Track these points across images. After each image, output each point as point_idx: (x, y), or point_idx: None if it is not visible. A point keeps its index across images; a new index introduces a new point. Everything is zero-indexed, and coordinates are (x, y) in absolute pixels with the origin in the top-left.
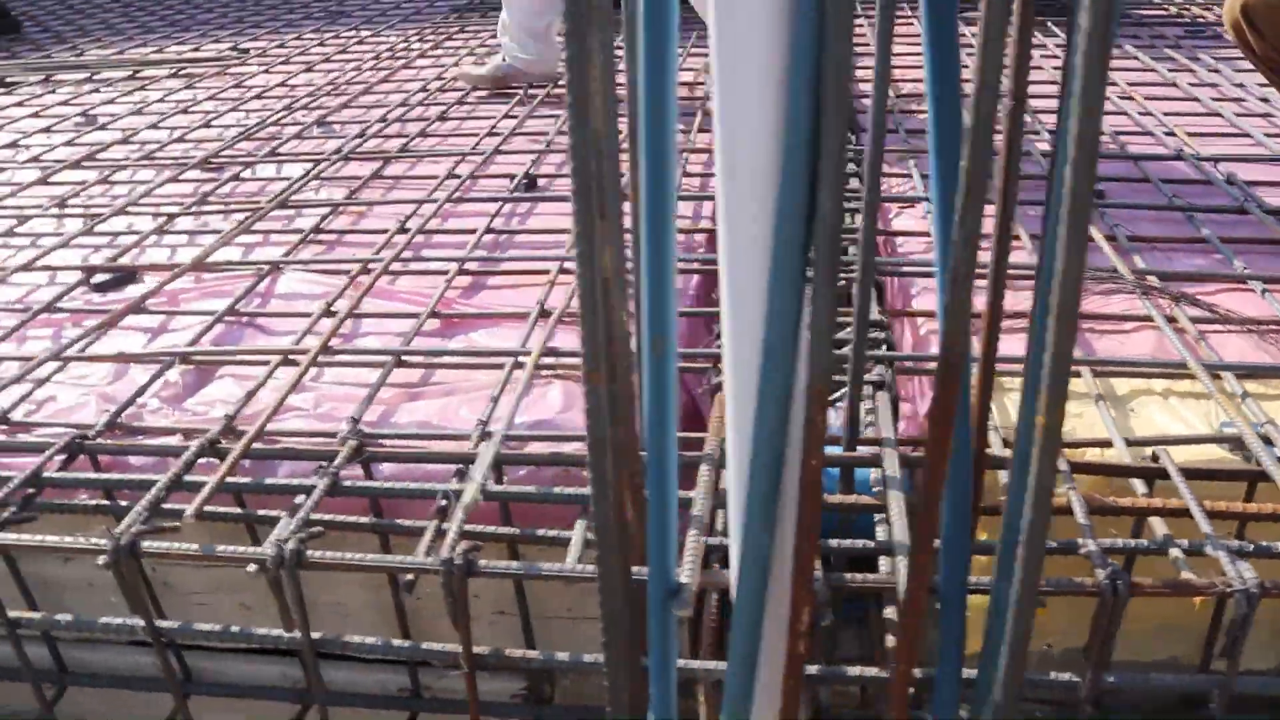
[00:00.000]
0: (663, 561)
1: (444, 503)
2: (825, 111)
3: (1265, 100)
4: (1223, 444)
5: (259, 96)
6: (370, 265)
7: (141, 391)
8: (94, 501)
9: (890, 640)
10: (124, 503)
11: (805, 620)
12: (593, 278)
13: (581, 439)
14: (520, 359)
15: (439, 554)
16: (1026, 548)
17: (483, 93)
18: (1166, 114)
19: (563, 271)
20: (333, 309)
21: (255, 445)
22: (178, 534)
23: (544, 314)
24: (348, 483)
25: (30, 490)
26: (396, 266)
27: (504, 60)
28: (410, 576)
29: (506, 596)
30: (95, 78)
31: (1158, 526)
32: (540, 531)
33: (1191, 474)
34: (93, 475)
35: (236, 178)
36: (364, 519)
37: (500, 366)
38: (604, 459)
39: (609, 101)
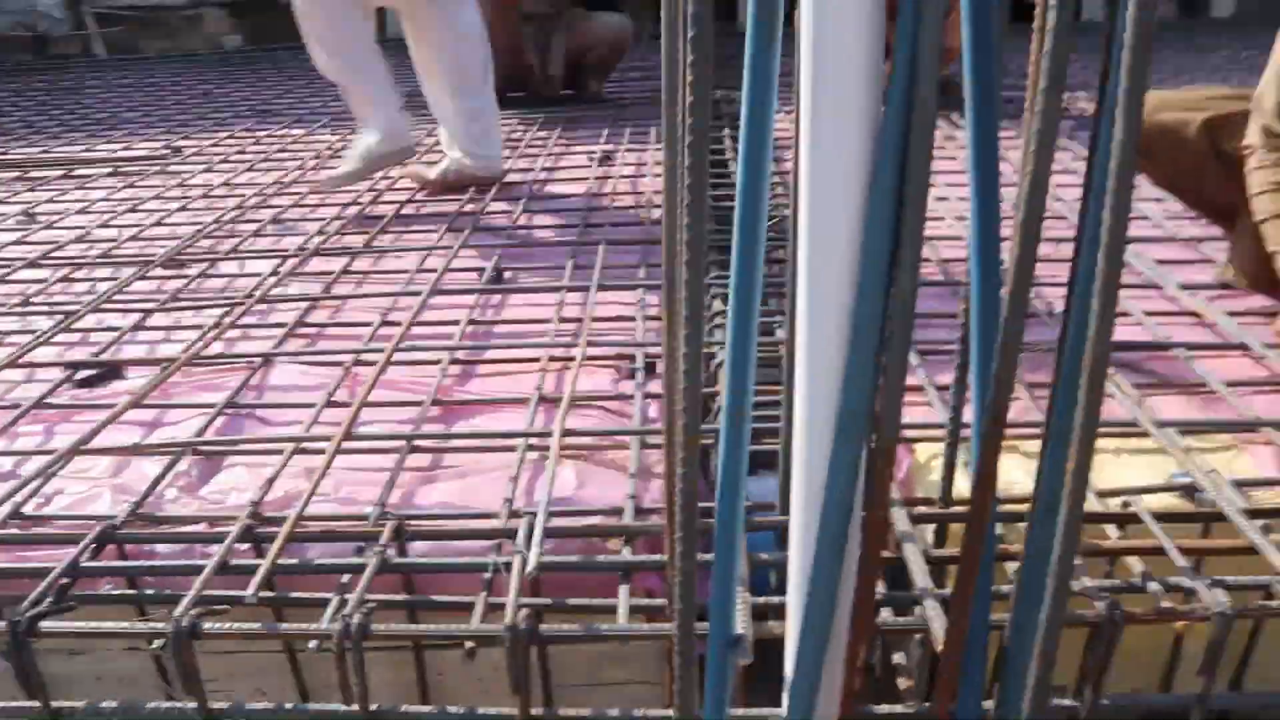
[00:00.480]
0: (725, 614)
1: (488, 575)
2: (907, 212)
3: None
4: (1177, 491)
5: (206, 195)
6: (363, 356)
7: (158, 482)
8: (120, 591)
9: (902, 682)
10: (149, 590)
11: (862, 656)
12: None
13: (608, 512)
14: (531, 440)
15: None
16: (1055, 582)
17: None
18: (1074, 199)
19: (553, 359)
20: (334, 398)
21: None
22: (226, 616)
23: (544, 399)
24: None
25: (65, 581)
26: (378, 356)
27: (452, 165)
28: (471, 644)
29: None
30: (28, 176)
31: (1134, 565)
32: (578, 601)
33: (1160, 518)
34: (131, 563)
35: (204, 275)
36: (399, 596)
37: (513, 449)
38: (692, 521)
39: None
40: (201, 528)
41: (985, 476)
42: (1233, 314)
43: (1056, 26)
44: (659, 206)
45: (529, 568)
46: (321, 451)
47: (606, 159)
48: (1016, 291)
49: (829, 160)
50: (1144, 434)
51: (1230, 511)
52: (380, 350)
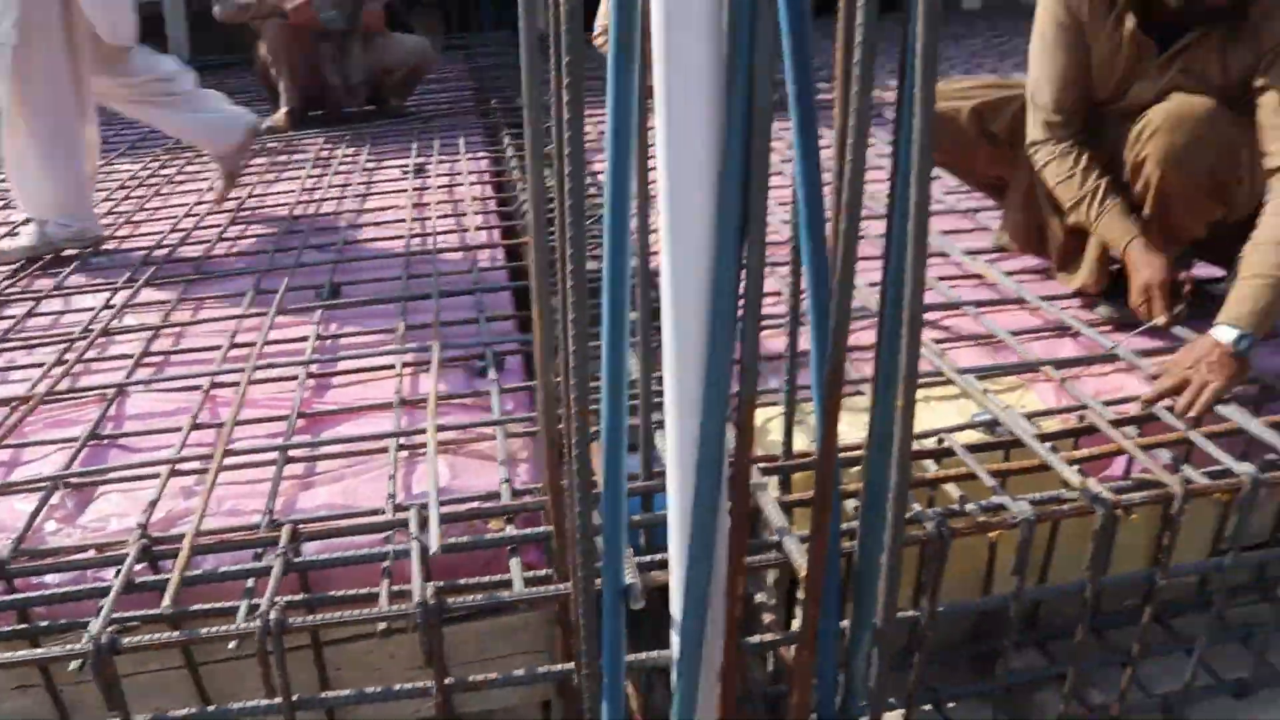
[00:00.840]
0: (617, 568)
1: (388, 564)
2: (752, 185)
3: None
4: (980, 427)
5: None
6: (219, 378)
7: (34, 517)
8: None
9: (766, 617)
10: (43, 623)
11: (741, 588)
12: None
13: (485, 497)
14: (401, 440)
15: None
16: (894, 509)
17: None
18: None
19: (406, 365)
20: (198, 420)
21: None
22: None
23: (405, 402)
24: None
25: None
26: (237, 377)
27: (40, 235)
28: (383, 625)
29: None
30: None
31: (953, 492)
32: (472, 579)
33: (970, 449)
34: (27, 595)
35: (31, 314)
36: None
37: (384, 450)
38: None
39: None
40: (90, 555)
41: (830, 422)
42: (1010, 273)
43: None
44: (480, 213)
45: (433, 549)
46: (198, 472)
47: (420, 171)
48: (845, 265)
49: (684, 163)
50: (947, 382)
51: (1025, 438)
52: (238, 370)
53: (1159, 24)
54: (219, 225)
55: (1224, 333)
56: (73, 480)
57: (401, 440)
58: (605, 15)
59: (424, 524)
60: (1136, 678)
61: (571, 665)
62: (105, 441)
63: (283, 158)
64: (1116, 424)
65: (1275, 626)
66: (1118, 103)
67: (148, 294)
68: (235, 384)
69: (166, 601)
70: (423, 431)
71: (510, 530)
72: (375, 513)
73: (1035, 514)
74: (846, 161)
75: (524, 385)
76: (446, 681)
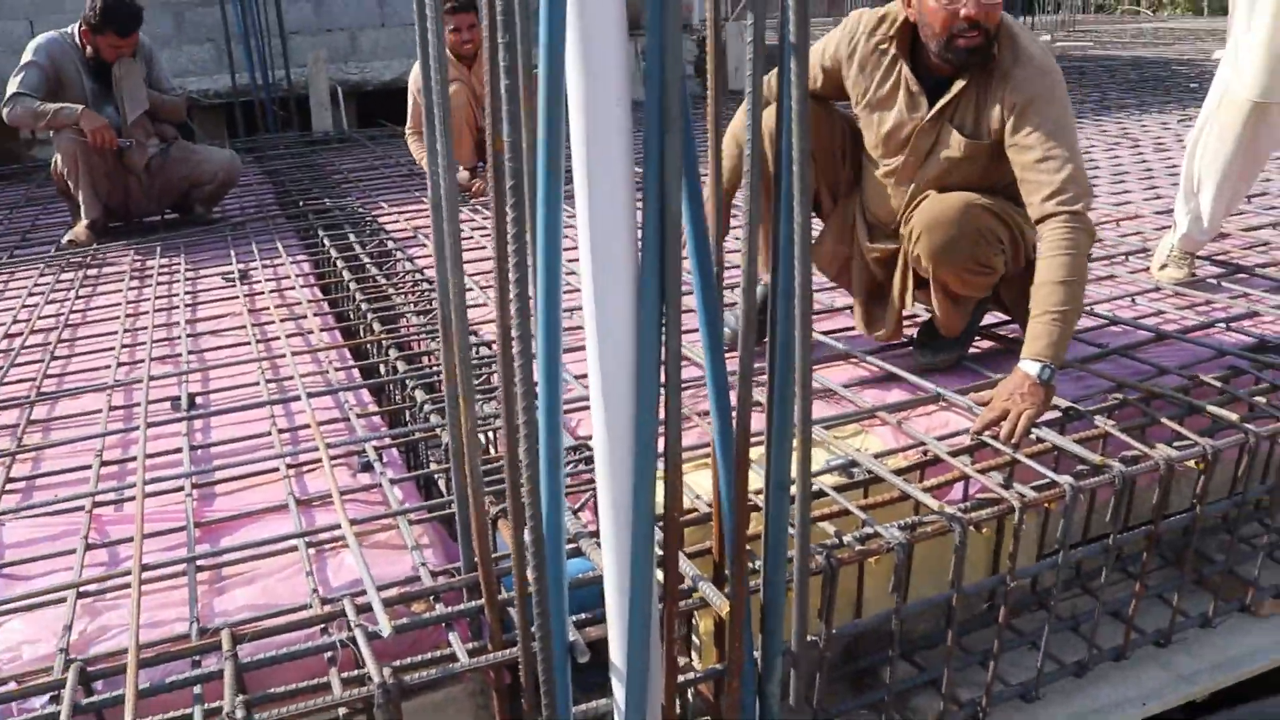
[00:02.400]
0: (561, 627)
1: (333, 655)
2: (667, 264)
3: None
4: (837, 471)
5: None
6: (98, 497)
7: None
8: None
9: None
10: None
11: (675, 635)
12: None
13: (405, 582)
14: (308, 539)
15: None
16: (800, 545)
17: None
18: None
19: (290, 467)
20: (90, 541)
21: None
22: None
23: (301, 503)
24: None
25: None
26: (125, 494)
27: None
28: (344, 711)
29: None
30: None
31: (828, 528)
32: (419, 657)
33: (838, 489)
34: None
35: None
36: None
37: (294, 549)
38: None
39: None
40: (10, 687)
41: (742, 478)
42: (828, 333)
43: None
44: (320, 315)
45: (386, 633)
46: (102, 592)
47: (245, 277)
48: (746, 340)
49: (606, 254)
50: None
51: (884, 474)
52: (125, 488)
53: (926, 76)
54: (45, 345)
55: (1030, 366)
56: None
57: (308, 539)
58: (413, 118)
59: (360, 611)
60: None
61: None
62: None
63: (93, 271)
64: (954, 454)
65: (1096, 613)
66: (897, 157)
67: None
68: (118, 502)
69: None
70: (329, 529)
71: (442, 609)
72: (302, 608)
73: (906, 538)
74: (744, 253)
75: (409, 476)
76: None
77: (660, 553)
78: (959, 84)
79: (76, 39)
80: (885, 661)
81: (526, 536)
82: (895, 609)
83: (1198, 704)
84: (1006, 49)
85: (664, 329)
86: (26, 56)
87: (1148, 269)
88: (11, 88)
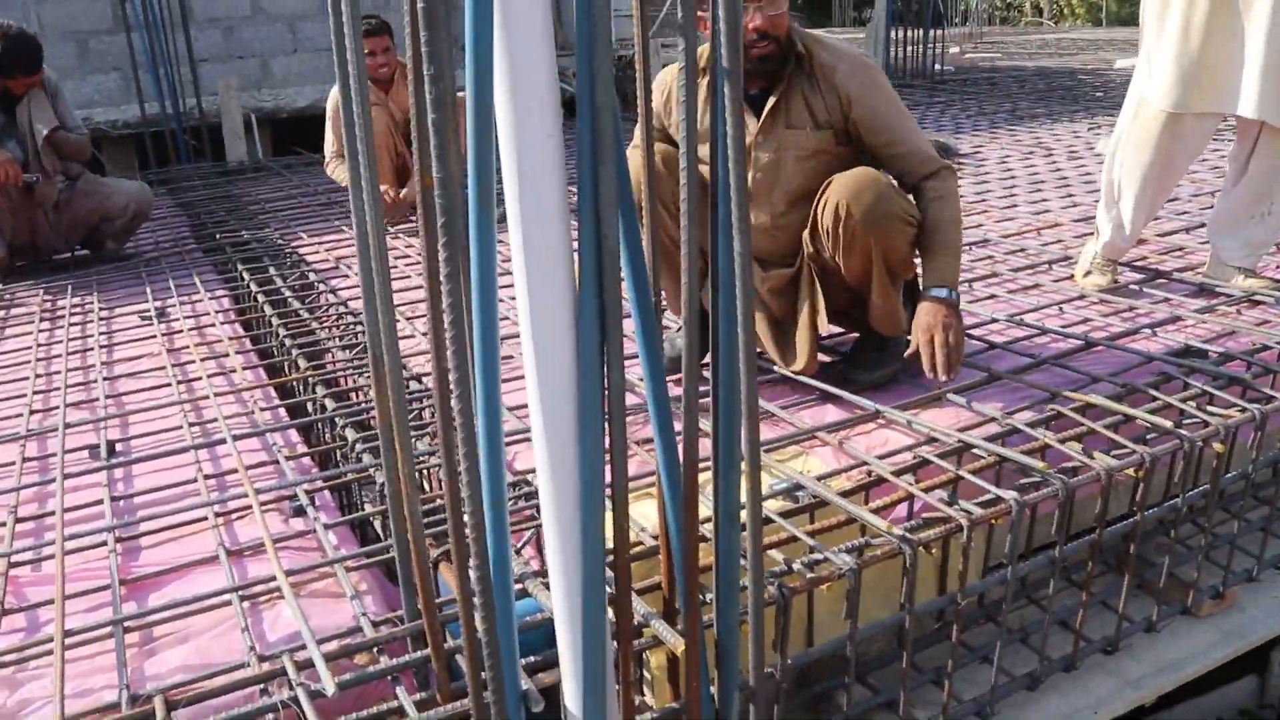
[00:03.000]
0: (514, 677)
1: (273, 717)
2: (606, 295)
3: None
4: (781, 495)
5: None
6: (14, 557)
7: None
8: None
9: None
10: None
11: (630, 676)
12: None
13: (348, 633)
14: (241, 592)
15: None
16: (754, 575)
17: None
18: None
19: (219, 515)
20: (7, 606)
21: None
22: None
23: (231, 553)
24: None
25: None
26: (45, 551)
27: None
28: None
29: None
30: None
31: (776, 555)
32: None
33: (784, 515)
34: None
35: None
36: None
37: (227, 604)
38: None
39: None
40: None
41: (691, 512)
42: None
43: None
44: (242, 352)
45: (330, 691)
46: (20, 661)
47: (162, 315)
48: (691, 368)
49: (543, 287)
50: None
51: (830, 497)
52: (34, 548)
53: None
54: None
55: (940, 292)
56: None
57: (241, 592)
58: (334, 141)
59: (300, 668)
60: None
61: None
62: None
63: (0, 313)
64: (898, 473)
65: (1046, 624)
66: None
67: None
68: (35, 561)
69: None
70: (263, 580)
71: (387, 660)
72: (239, 667)
73: (856, 563)
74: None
75: (343, 520)
76: None
77: (611, 591)
78: (778, 90)
79: None
80: (840, 686)
81: (473, 580)
82: (850, 634)
83: (1145, 707)
84: (818, 49)
85: (605, 360)
86: None
87: (1071, 277)
88: None
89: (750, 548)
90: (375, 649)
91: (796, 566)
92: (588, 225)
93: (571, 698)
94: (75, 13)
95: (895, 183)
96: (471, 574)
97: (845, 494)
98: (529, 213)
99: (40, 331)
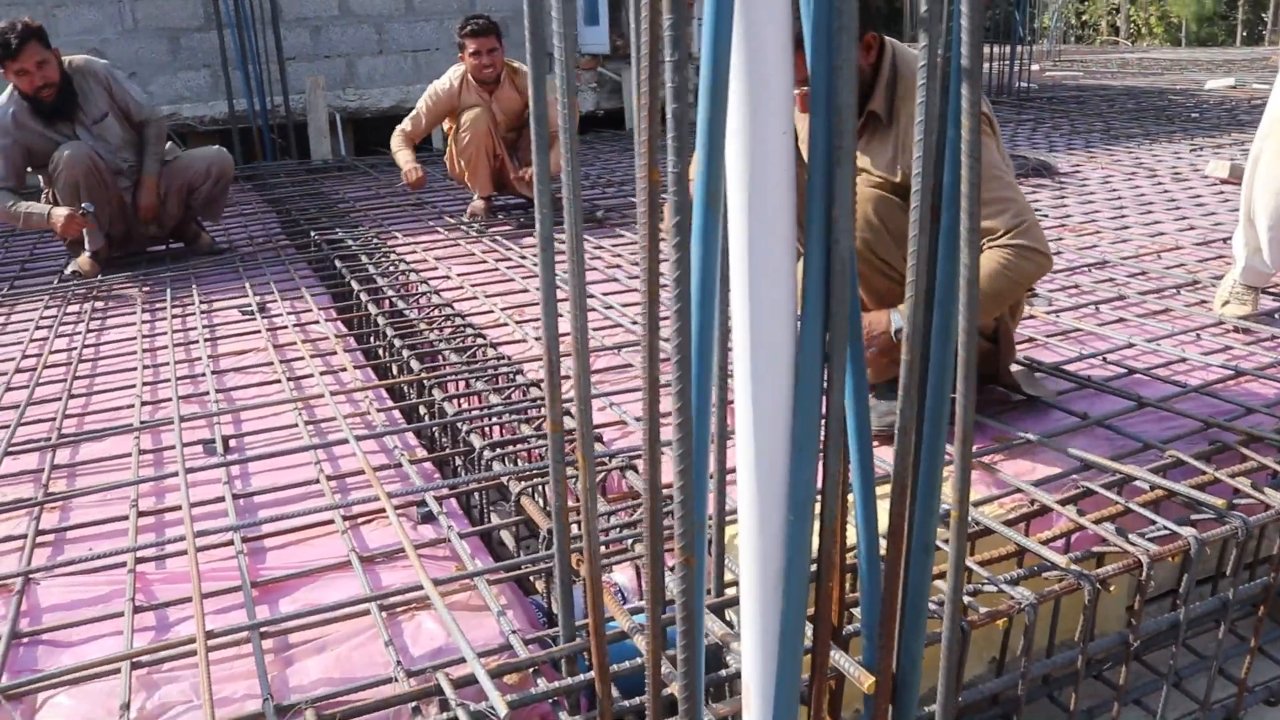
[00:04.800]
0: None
1: None
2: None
3: None
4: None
5: None
6: (140, 553)
7: None
8: None
9: None
10: None
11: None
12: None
13: (498, 650)
14: (380, 603)
15: None
16: (951, 605)
17: (103, 362)
18: None
19: (347, 519)
20: (138, 603)
21: None
22: None
23: (365, 560)
24: None
25: None
26: (153, 551)
27: None
28: None
29: None
30: None
31: (940, 585)
32: None
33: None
34: None
35: None
36: None
37: (366, 613)
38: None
39: None
40: None
41: (896, 542)
42: None
43: None
44: (349, 351)
45: (503, 713)
46: (159, 664)
47: (263, 310)
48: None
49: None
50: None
51: (995, 526)
52: (157, 544)
53: None
54: (62, 382)
55: (895, 316)
56: (14, 692)
57: (382, 603)
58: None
59: (456, 686)
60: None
61: None
62: (27, 640)
63: (100, 304)
64: (1063, 503)
65: (1213, 670)
66: None
67: (7, 465)
68: (160, 558)
69: None
70: (405, 590)
71: (544, 684)
72: (385, 682)
73: (1036, 598)
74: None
75: (475, 530)
76: None
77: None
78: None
79: (13, 93)
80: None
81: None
82: (1023, 672)
83: None
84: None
85: (825, 380)
86: None
87: (1202, 303)
88: None
89: (951, 579)
90: (532, 669)
91: (967, 600)
92: (817, 229)
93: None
94: (168, 10)
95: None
96: (678, 601)
97: (1012, 523)
98: (755, 211)
99: (143, 323)
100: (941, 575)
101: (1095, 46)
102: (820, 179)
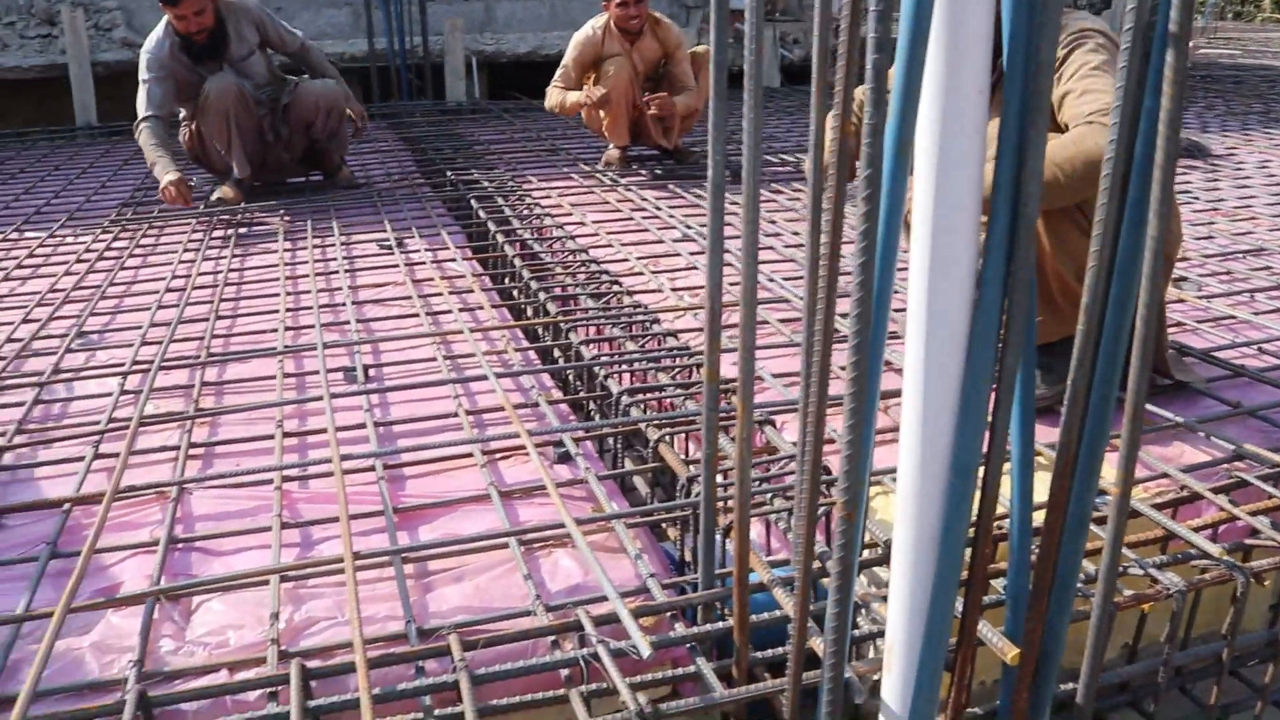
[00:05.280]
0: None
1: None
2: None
3: None
4: None
5: None
6: (286, 472)
7: (146, 633)
8: None
9: None
10: None
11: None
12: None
13: (634, 593)
14: (519, 537)
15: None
16: (1105, 581)
17: (245, 286)
18: None
19: (485, 453)
20: (286, 520)
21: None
22: None
23: (503, 494)
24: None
25: None
26: (295, 471)
27: None
28: None
29: None
30: None
31: (1087, 566)
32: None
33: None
34: None
35: (38, 401)
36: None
37: (503, 546)
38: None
39: None
40: (222, 676)
41: (1056, 514)
42: None
43: None
44: (485, 290)
45: (646, 654)
46: (304, 579)
47: (400, 245)
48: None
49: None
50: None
51: (1144, 509)
52: (301, 465)
53: None
54: (209, 303)
55: None
56: (178, 593)
57: (521, 537)
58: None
59: (596, 624)
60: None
61: None
62: (181, 546)
63: (244, 231)
64: (1216, 491)
65: None
66: None
67: (161, 378)
68: (303, 479)
69: None
70: (549, 527)
71: (680, 629)
72: (524, 614)
73: (1185, 585)
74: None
75: (613, 473)
76: None
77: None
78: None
79: (168, 26)
80: (1111, 709)
81: (836, 561)
82: (1165, 659)
83: None
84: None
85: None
86: (141, 70)
87: None
88: (140, 108)
89: (1106, 557)
90: (669, 614)
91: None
92: (1005, 190)
93: (894, 691)
94: None
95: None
96: (835, 555)
97: (1161, 507)
98: (944, 167)
99: (284, 250)
100: (1089, 553)
101: (1255, 24)
102: (1012, 138)
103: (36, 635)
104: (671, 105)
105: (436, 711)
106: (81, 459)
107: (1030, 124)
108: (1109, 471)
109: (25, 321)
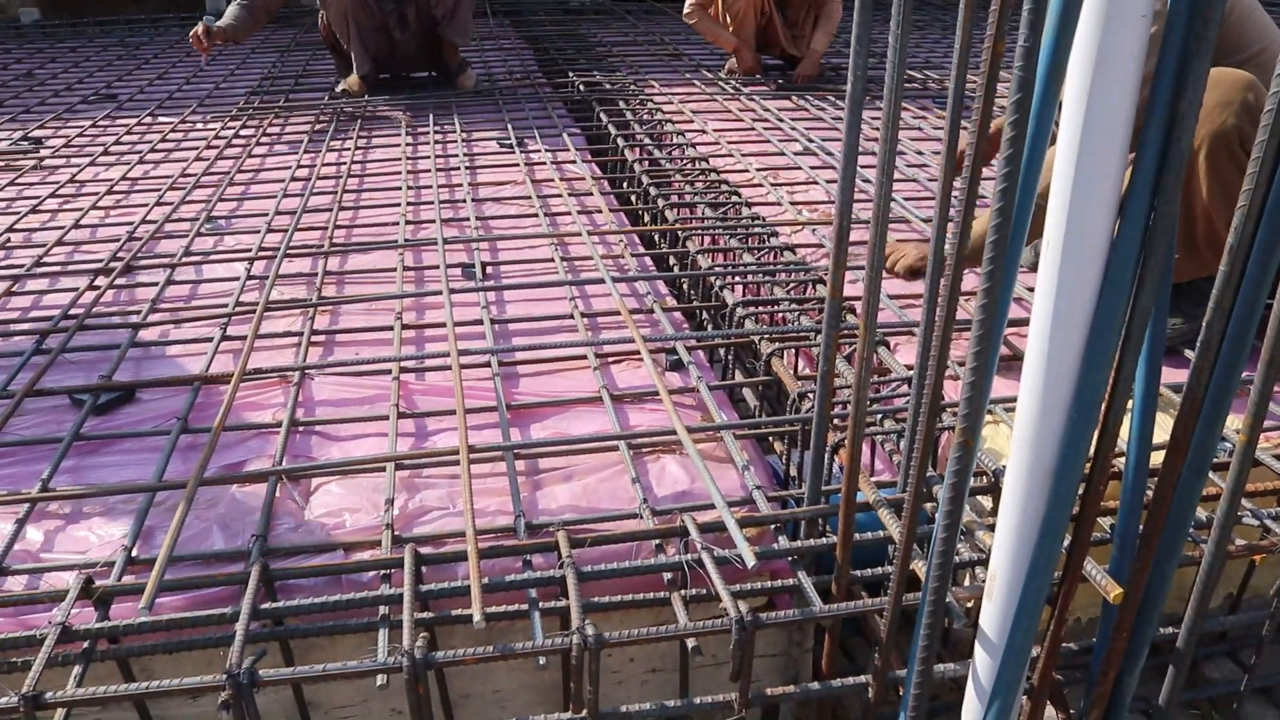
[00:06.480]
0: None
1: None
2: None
3: None
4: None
5: (117, 193)
6: (405, 364)
7: (268, 510)
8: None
9: None
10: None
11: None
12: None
13: (739, 503)
14: (631, 441)
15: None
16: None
17: (369, 178)
18: None
19: (599, 356)
20: (402, 410)
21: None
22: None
23: (615, 398)
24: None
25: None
26: (412, 363)
27: None
28: (693, 643)
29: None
30: None
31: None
32: (754, 586)
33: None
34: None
35: (170, 281)
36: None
37: (613, 449)
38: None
39: None
40: (338, 556)
41: (1178, 455)
42: None
43: None
44: (604, 194)
45: (751, 564)
46: (418, 469)
47: (520, 145)
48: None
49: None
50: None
51: (1262, 457)
52: (417, 357)
53: None
54: (330, 192)
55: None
56: (300, 475)
57: (632, 441)
58: None
59: (701, 530)
60: None
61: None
62: (302, 429)
63: (367, 124)
64: None
65: None
66: None
67: (286, 264)
68: (419, 371)
69: (478, 617)
70: (660, 433)
71: (783, 542)
72: (631, 517)
73: None
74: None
75: (724, 384)
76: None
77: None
78: None
79: None
80: (1206, 657)
81: (948, 486)
82: (1270, 612)
83: None
84: None
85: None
86: None
87: None
88: None
89: (1223, 504)
90: (773, 527)
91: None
92: (1156, 126)
93: (993, 620)
94: None
95: None
96: (948, 480)
97: (1277, 458)
98: (1096, 95)
99: (406, 145)
100: (1203, 499)
101: None
102: (1171, 68)
103: (169, 504)
104: (815, 70)
105: (541, 604)
106: (210, 340)
107: (1195, 55)
108: (1232, 419)
109: (158, 204)
